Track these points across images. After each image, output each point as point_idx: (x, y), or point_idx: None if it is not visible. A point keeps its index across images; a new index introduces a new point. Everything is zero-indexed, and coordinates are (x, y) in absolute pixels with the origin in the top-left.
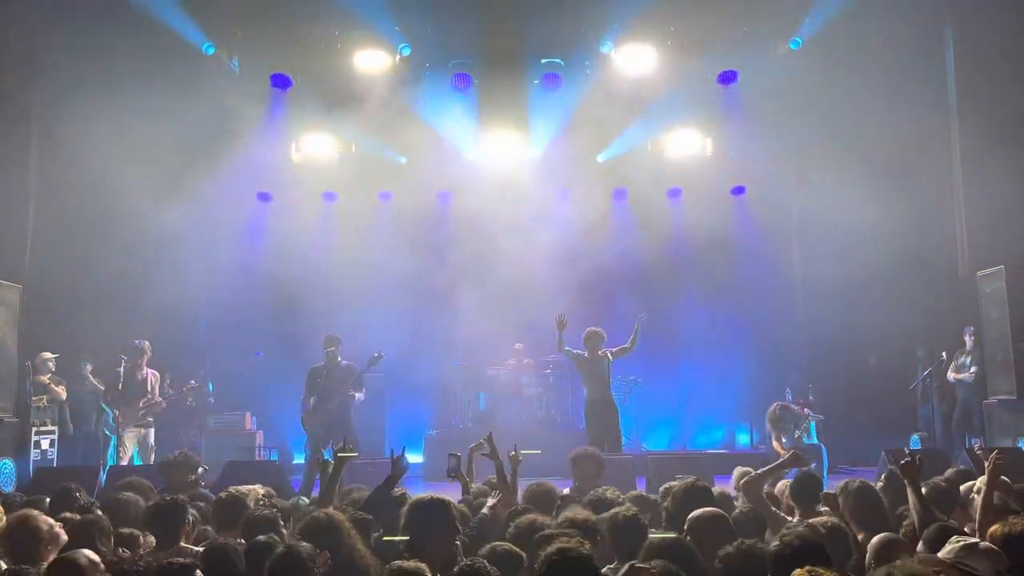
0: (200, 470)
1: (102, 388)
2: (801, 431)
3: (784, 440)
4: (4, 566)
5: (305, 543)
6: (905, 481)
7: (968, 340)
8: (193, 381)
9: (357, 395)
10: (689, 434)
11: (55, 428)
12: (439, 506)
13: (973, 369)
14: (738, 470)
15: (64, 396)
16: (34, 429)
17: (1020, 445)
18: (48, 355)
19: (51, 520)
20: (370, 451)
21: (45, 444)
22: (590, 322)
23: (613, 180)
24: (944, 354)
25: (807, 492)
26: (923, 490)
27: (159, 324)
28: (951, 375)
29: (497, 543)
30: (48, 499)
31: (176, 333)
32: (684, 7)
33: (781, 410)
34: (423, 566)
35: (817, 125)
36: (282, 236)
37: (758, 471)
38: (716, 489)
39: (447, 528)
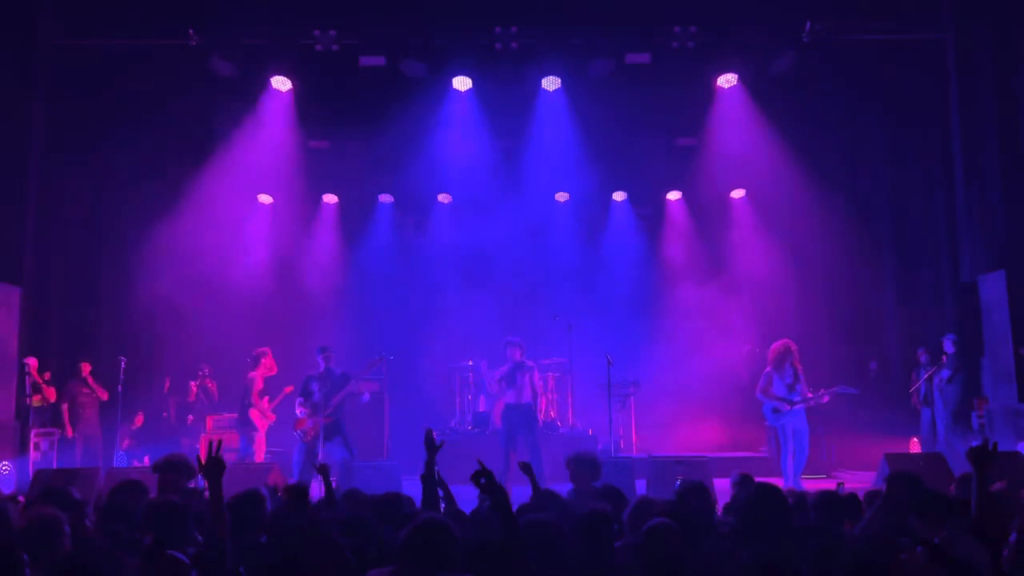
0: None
1: (102, 390)
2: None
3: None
4: None
5: None
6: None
7: (949, 347)
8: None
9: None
10: (689, 437)
11: (54, 430)
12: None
13: (944, 374)
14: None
15: (53, 398)
16: (33, 431)
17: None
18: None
19: None
20: (369, 454)
21: (45, 446)
22: (590, 323)
23: (613, 183)
24: (945, 358)
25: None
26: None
27: (159, 326)
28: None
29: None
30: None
31: (176, 335)
32: (685, 10)
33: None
34: None
35: (818, 128)
36: (282, 238)
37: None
38: None
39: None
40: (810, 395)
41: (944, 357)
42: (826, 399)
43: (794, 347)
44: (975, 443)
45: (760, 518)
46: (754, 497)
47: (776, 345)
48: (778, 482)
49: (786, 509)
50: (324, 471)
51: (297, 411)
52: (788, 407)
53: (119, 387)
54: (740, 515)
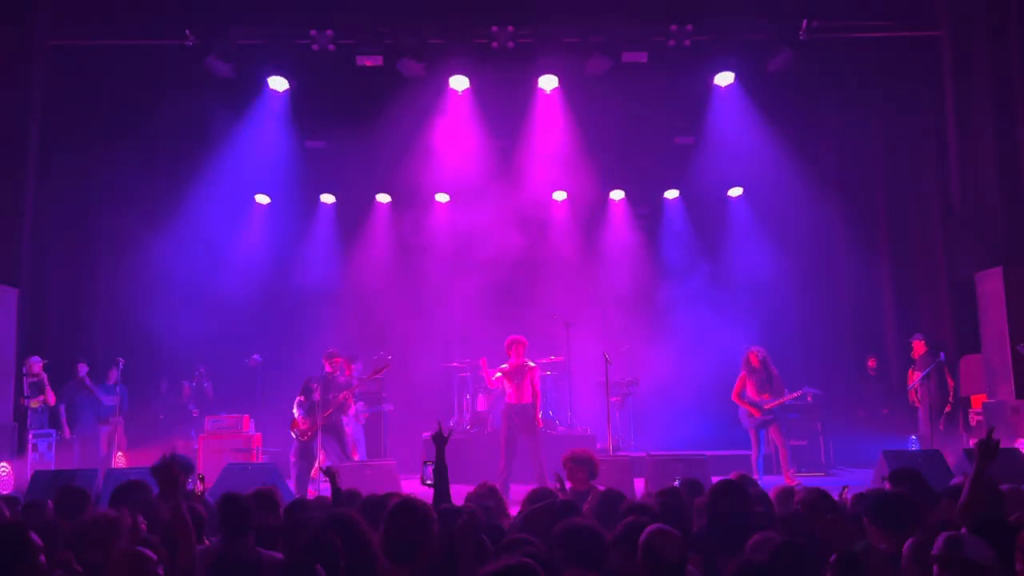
0: (200, 482)
1: (99, 390)
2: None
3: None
4: None
5: None
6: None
7: (918, 347)
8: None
9: (355, 405)
10: (687, 435)
11: (52, 431)
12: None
13: (917, 376)
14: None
15: (53, 401)
16: (31, 432)
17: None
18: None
19: None
20: (368, 453)
21: (43, 447)
22: (588, 322)
23: (611, 181)
24: (943, 355)
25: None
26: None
27: (156, 326)
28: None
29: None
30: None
31: (173, 336)
32: (682, 9)
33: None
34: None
35: (816, 125)
36: (279, 238)
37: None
38: None
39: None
40: (769, 400)
41: (918, 356)
42: (788, 401)
43: (765, 353)
44: (975, 441)
45: (723, 513)
46: (716, 492)
47: (750, 351)
48: (775, 481)
49: (748, 503)
50: (331, 474)
51: (294, 411)
52: (758, 414)
53: (116, 388)
54: (706, 510)
